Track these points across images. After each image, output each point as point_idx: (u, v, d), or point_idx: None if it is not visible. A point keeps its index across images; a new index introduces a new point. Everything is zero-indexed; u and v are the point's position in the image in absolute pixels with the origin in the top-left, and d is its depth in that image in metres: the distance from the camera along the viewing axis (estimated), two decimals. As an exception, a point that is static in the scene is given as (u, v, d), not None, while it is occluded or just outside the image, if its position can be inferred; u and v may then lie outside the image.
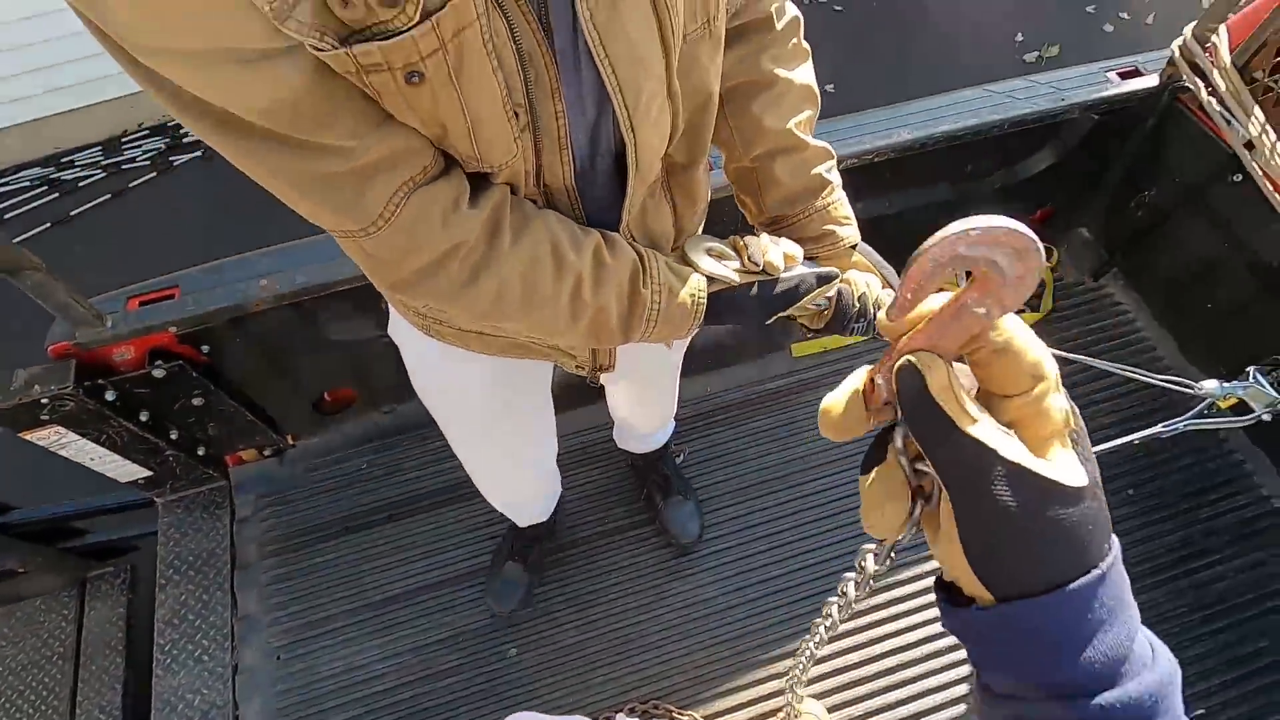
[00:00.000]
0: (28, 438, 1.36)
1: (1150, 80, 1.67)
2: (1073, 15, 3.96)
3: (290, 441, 1.80)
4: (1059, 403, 0.31)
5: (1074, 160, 1.83)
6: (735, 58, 0.77)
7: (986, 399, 0.32)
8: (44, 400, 1.30)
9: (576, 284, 0.66)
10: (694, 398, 1.89)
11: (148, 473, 1.62)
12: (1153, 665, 0.32)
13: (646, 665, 1.57)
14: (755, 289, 0.73)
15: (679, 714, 1.52)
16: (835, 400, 0.34)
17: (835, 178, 0.83)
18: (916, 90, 1.73)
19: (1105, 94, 1.66)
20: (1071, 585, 0.30)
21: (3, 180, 3.03)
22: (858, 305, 0.79)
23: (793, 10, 0.79)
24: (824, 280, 0.75)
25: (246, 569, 1.68)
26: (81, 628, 1.80)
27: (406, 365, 0.99)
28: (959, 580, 0.33)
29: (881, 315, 0.31)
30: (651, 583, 1.66)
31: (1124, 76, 1.70)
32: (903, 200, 1.79)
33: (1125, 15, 3.97)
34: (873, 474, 0.34)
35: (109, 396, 1.38)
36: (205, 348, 1.46)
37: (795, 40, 0.80)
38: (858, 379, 0.34)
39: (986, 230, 0.27)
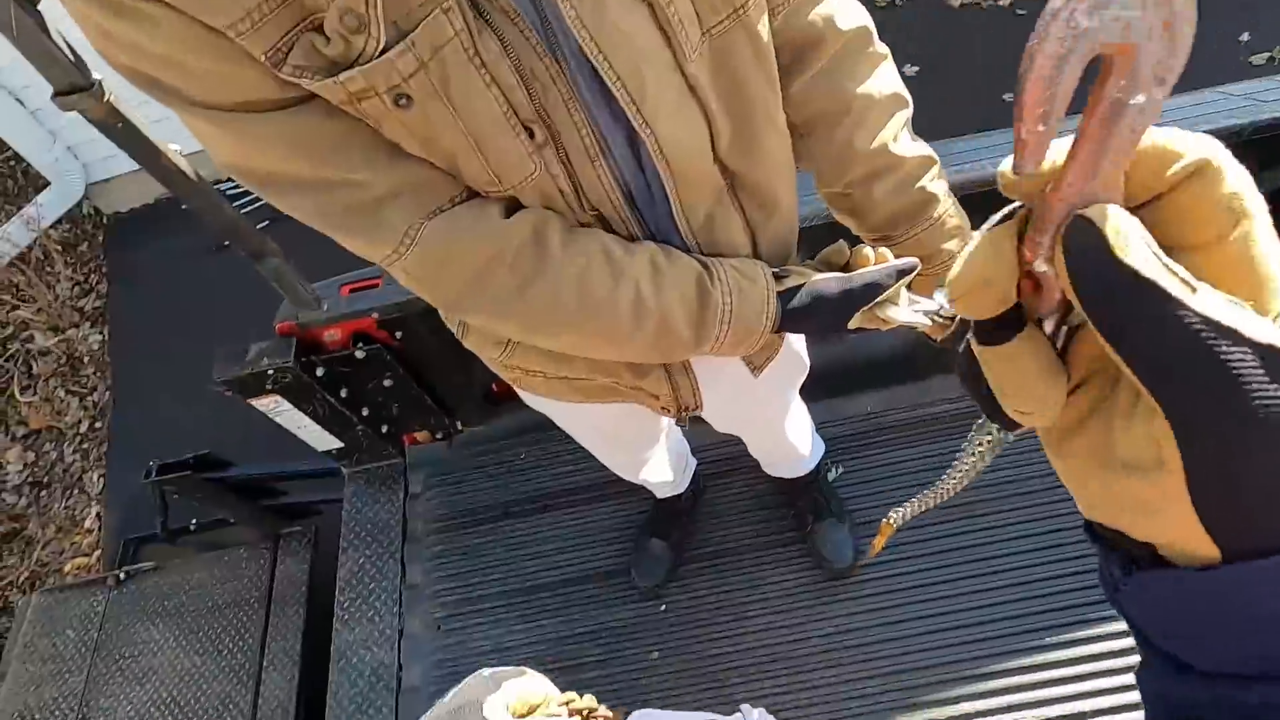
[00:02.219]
0: (254, 403, 1.56)
1: None
2: (1316, 12, 3.43)
3: (459, 428, 1.93)
4: (1270, 245, 0.21)
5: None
6: (801, 86, 0.72)
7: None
8: (269, 371, 1.48)
9: (635, 287, 0.64)
10: (852, 415, 1.81)
11: (340, 444, 1.80)
12: None
13: (790, 689, 1.52)
14: (829, 287, 0.69)
15: None
16: (978, 271, 0.23)
17: (940, 187, 0.76)
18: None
19: (1381, 96, 1.42)
20: None
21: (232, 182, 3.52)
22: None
23: (856, 19, 0.71)
24: (904, 273, 0.68)
25: (416, 542, 1.81)
26: (273, 578, 2.02)
27: None
28: (1162, 535, 0.23)
29: (1006, 169, 0.21)
30: (800, 603, 1.60)
31: (1406, 76, 1.44)
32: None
33: (1388, 10, 3.39)
34: (1010, 345, 0.24)
35: (319, 372, 1.55)
36: (399, 334, 1.60)
37: (868, 49, 0.73)
38: (1001, 248, 0.23)
39: None
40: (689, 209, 0.66)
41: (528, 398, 1.01)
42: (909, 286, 0.82)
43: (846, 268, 0.72)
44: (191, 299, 3.18)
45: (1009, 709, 1.44)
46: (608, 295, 0.64)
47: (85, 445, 2.94)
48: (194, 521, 2.22)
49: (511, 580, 1.73)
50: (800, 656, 1.55)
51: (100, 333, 3.21)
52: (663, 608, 1.64)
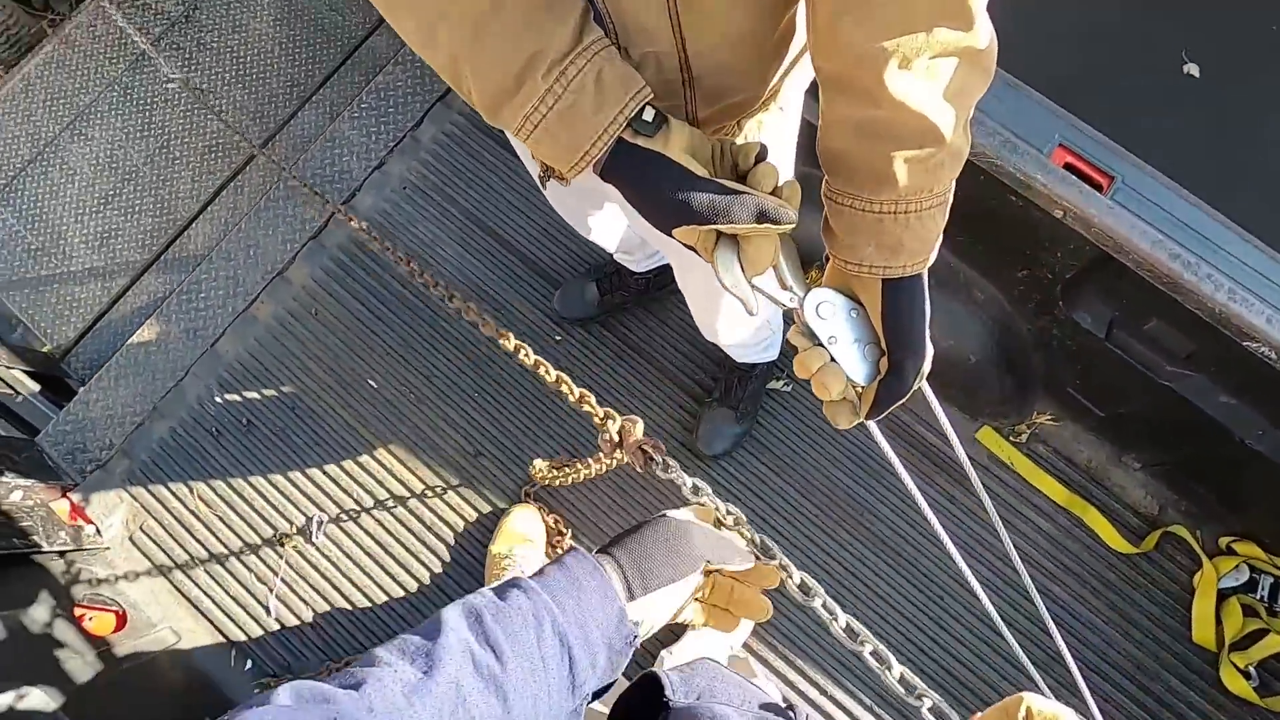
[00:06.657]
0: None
1: None
2: None
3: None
4: None
5: None
6: None
7: None
8: None
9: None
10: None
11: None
12: None
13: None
14: (681, 179, 0.49)
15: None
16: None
17: (918, 180, 0.49)
18: None
19: None
20: None
21: None
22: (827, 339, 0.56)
23: None
24: (765, 217, 0.48)
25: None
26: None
27: None
28: None
29: None
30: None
31: None
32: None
33: None
34: None
35: None
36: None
37: None
38: None
39: None
40: None
41: None
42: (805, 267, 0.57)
43: (739, 175, 0.52)
44: None
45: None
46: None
47: None
48: None
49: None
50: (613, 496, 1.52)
51: None
52: (557, 338, 1.59)
